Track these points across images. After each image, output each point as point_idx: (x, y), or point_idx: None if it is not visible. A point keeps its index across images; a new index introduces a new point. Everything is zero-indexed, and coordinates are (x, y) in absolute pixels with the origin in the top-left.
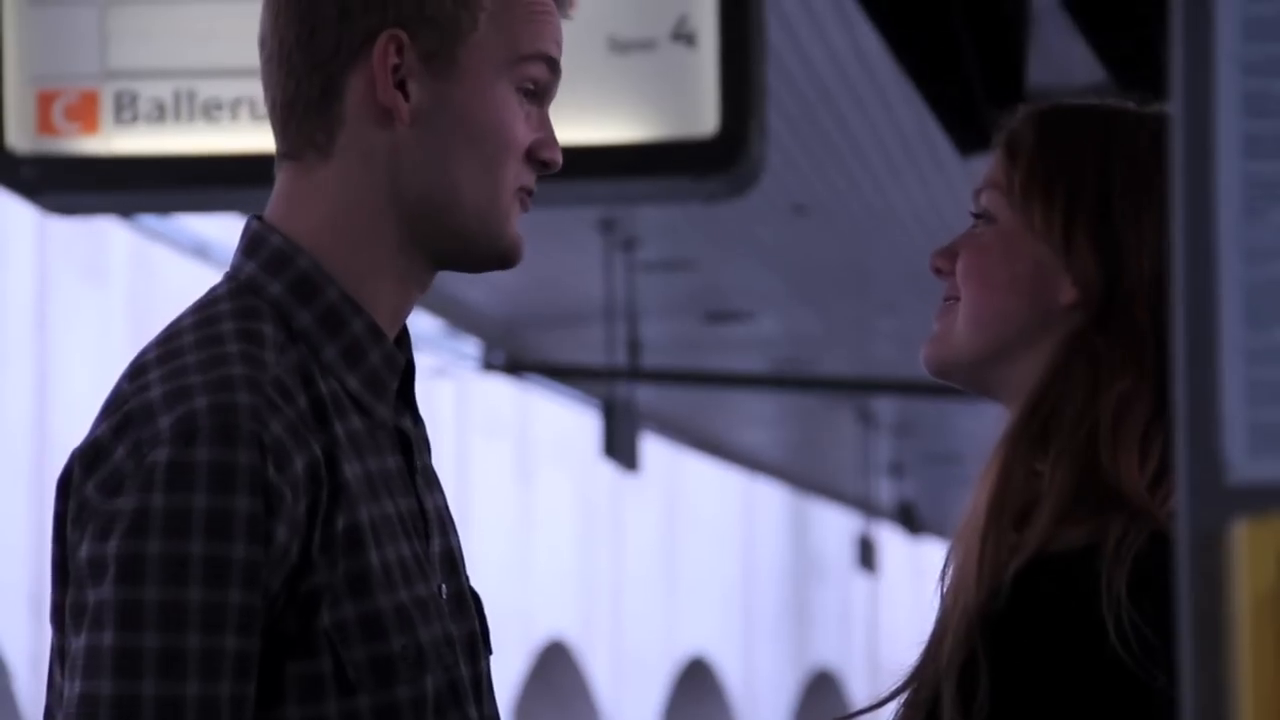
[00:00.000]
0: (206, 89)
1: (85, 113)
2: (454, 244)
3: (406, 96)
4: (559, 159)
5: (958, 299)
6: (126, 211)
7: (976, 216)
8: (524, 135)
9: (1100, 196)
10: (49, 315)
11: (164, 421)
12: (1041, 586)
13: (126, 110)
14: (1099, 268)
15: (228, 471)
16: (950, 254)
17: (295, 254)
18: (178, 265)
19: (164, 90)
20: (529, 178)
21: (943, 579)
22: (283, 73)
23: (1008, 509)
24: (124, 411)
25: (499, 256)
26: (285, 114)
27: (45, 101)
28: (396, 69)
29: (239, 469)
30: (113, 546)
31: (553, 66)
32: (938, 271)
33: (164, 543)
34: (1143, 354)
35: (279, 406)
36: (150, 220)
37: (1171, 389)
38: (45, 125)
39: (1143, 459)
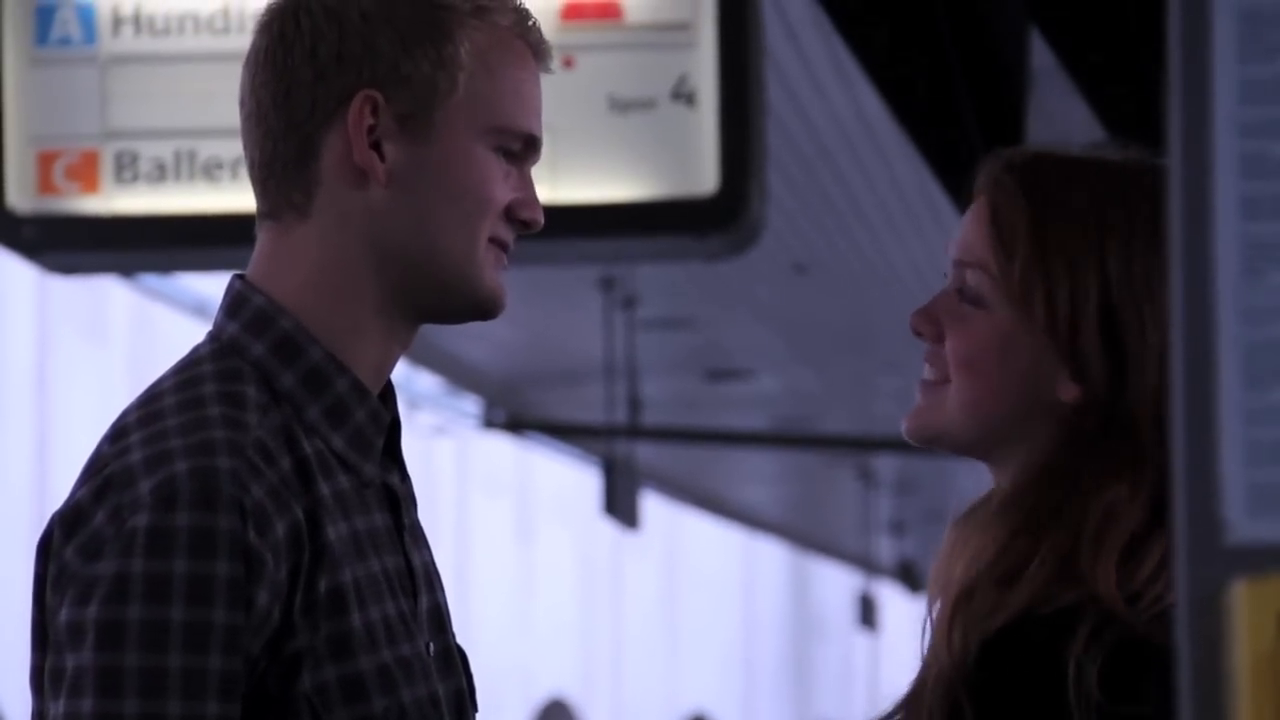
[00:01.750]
0: (207, 149)
1: (86, 173)
2: (433, 298)
3: (382, 157)
4: (540, 219)
5: (945, 381)
6: (127, 271)
7: (959, 290)
8: (502, 194)
9: (1104, 294)
10: (49, 374)
11: (144, 486)
12: (1024, 647)
13: (127, 170)
14: (1105, 370)
15: (208, 537)
16: (931, 319)
17: (277, 315)
18: (178, 324)
19: (164, 150)
20: (508, 234)
21: (923, 636)
22: (260, 133)
23: (989, 576)
24: (104, 475)
25: (478, 307)
26: (264, 174)
27: (46, 161)
28: (372, 130)
29: (219, 534)
30: (92, 612)
31: (532, 140)
32: (918, 334)
33: (144, 608)
34: (1141, 459)
35: (260, 470)
36: (151, 279)
37: (1168, 496)
38: (46, 185)
39: (1127, 567)
